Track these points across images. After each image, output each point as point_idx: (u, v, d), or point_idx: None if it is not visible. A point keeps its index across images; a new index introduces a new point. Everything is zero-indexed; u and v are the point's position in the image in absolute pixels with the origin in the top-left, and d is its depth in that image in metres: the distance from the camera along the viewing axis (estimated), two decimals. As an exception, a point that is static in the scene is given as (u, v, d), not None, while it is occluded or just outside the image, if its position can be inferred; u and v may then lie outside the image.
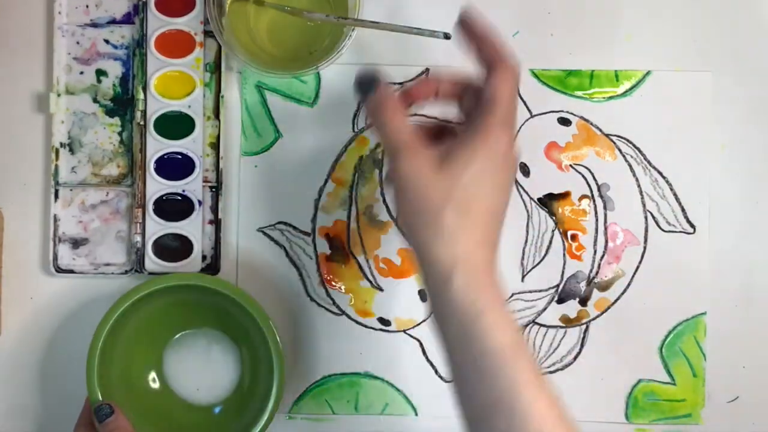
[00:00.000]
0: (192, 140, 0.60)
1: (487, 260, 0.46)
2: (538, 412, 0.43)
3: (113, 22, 0.61)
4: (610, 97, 0.62)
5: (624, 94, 0.62)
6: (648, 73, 0.62)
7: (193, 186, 0.60)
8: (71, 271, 0.60)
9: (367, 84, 0.48)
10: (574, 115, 0.62)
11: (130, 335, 0.59)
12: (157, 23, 0.60)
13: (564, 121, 0.61)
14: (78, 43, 0.61)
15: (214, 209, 0.61)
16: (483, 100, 0.47)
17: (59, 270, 0.60)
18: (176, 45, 0.60)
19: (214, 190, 0.61)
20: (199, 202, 0.60)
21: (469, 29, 0.49)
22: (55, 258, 0.60)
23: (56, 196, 0.61)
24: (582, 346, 0.61)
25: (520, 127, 0.61)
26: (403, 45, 0.61)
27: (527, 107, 0.61)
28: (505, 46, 0.48)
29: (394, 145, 0.47)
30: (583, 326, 0.61)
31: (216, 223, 0.61)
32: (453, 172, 0.45)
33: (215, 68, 0.61)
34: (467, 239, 0.45)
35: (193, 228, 0.60)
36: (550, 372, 0.61)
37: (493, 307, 0.44)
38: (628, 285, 0.61)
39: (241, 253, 0.61)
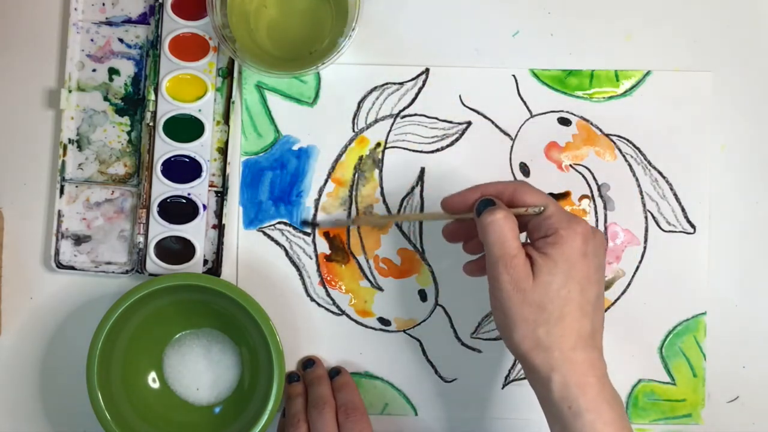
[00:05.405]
0: (200, 144, 0.60)
1: (585, 360, 0.48)
2: None
3: (128, 21, 0.61)
4: (610, 97, 0.62)
5: (624, 94, 0.62)
6: (648, 73, 0.61)
7: (198, 190, 0.60)
8: (72, 268, 0.61)
9: (486, 201, 0.51)
10: (574, 115, 0.61)
11: (130, 335, 0.59)
12: (173, 25, 0.60)
13: (564, 121, 0.61)
14: (92, 40, 0.61)
15: (219, 214, 0.61)
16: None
17: (60, 266, 0.60)
18: (190, 48, 0.60)
19: (219, 195, 0.61)
20: (204, 207, 0.60)
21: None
22: (57, 254, 0.61)
23: (61, 192, 0.61)
24: (582, 346, 0.61)
25: (520, 127, 0.61)
26: (402, 45, 0.61)
27: (527, 107, 0.61)
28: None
29: (500, 254, 0.49)
30: (584, 326, 0.61)
31: (219, 228, 0.61)
32: (541, 286, 0.48)
33: (227, 73, 0.61)
34: (562, 346, 0.48)
35: (196, 232, 0.60)
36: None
37: (592, 407, 0.47)
38: (628, 285, 0.61)
39: (241, 253, 0.61)
